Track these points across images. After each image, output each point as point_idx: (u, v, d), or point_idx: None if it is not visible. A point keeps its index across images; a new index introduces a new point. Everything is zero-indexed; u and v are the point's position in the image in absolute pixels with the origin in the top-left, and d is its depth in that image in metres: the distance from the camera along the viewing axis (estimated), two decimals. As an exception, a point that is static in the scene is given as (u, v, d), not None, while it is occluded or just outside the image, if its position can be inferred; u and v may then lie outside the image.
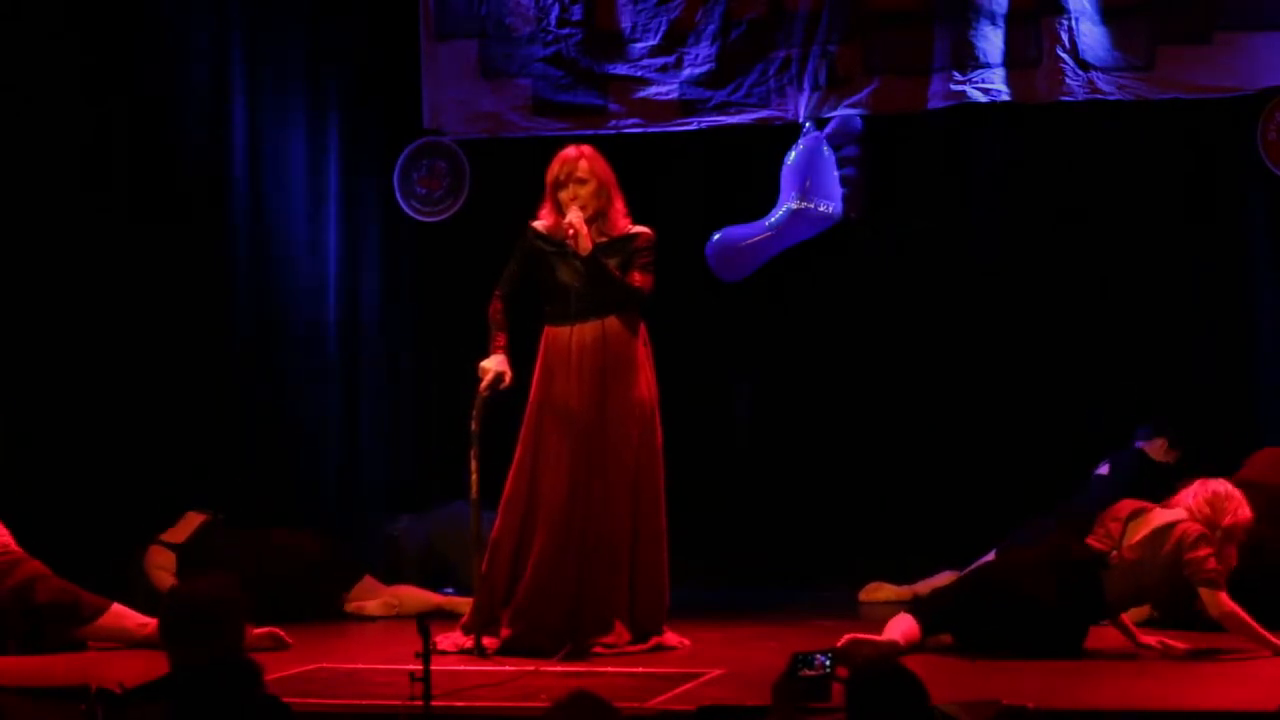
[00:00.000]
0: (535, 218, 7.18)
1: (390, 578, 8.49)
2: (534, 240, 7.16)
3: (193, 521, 8.33)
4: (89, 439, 9.04)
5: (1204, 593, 6.50)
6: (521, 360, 7.13)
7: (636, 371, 7.07)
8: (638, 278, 7.07)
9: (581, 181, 7.08)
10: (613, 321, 7.06)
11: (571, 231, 7.00)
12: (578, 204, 7.04)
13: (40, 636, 7.19)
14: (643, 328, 7.13)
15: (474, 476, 7.04)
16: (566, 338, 7.05)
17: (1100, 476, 8.37)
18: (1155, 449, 8.49)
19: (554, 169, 7.13)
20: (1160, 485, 7.22)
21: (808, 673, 4.59)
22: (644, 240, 7.13)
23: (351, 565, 8.37)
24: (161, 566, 8.12)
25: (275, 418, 9.44)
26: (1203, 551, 6.48)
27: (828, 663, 4.59)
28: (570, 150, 7.16)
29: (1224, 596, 6.48)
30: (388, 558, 8.80)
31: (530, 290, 7.18)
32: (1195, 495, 6.63)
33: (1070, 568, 6.68)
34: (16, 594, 7.24)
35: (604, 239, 7.08)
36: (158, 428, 9.15)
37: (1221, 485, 6.66)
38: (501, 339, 7.14)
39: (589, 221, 7.04)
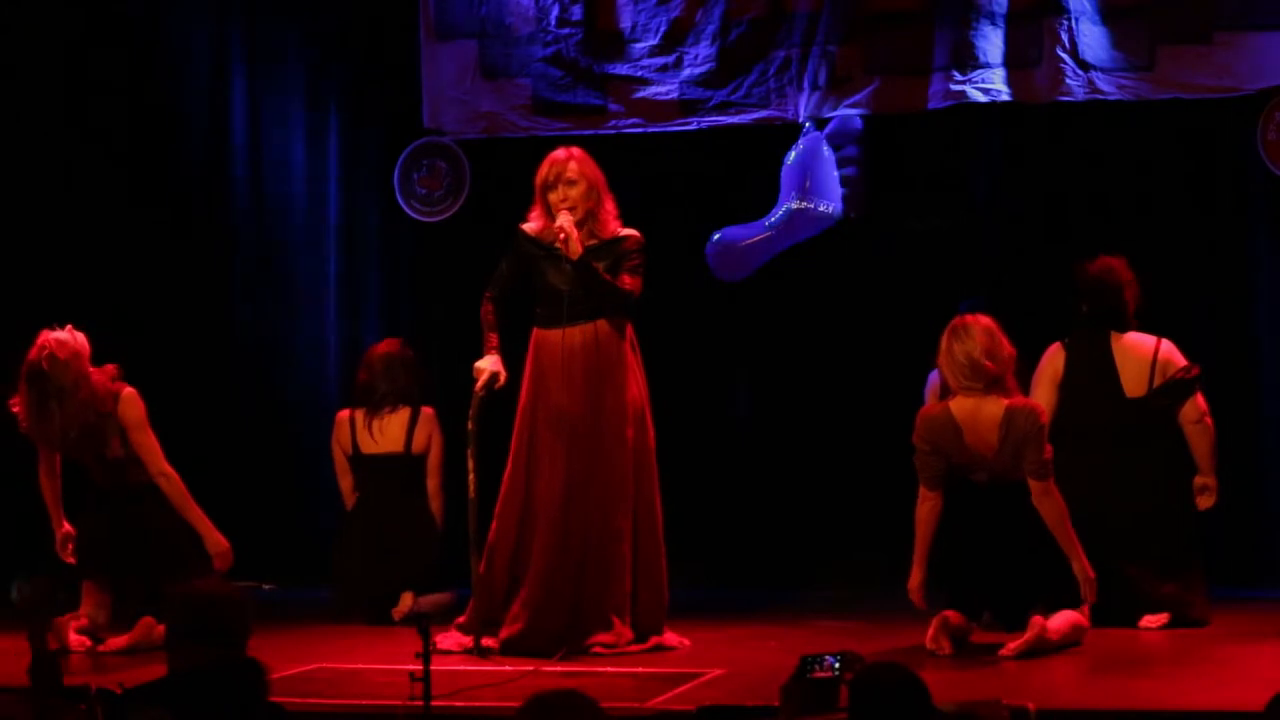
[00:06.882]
0: (525, 220, 7.17)
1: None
2: (524, 243, 7.14)
3: None
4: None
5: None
6: (513, 363, 7.13)
7: (626, 373, 7.06)
8: (627, 281, 7.05)
9: (571, 183, 7.05)
10: (602, 324, 7.05)
11: (562, 235, 6.98)
12: (567, 206, 7.02)
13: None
14: (629, 329, 7.12)
15: (471, 476, 7.04)
16: (557, 341, 7.04)
17: None
18: None
19: (543, 171, 7.10)
20: None
21: (817, 674, 4.59)
22: (633, 243, 7.11)
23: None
24: None
25: (274, 419, 9.42)
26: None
27: (836, 665, 4.59)
28: (559, 152, 7.13)
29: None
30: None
31: (522, 293, 7.17)
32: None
33: None
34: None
35: (594, 241, 7.06)
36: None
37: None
38: (494, 339, 7.14)
39: (579, 224, 7.02)
